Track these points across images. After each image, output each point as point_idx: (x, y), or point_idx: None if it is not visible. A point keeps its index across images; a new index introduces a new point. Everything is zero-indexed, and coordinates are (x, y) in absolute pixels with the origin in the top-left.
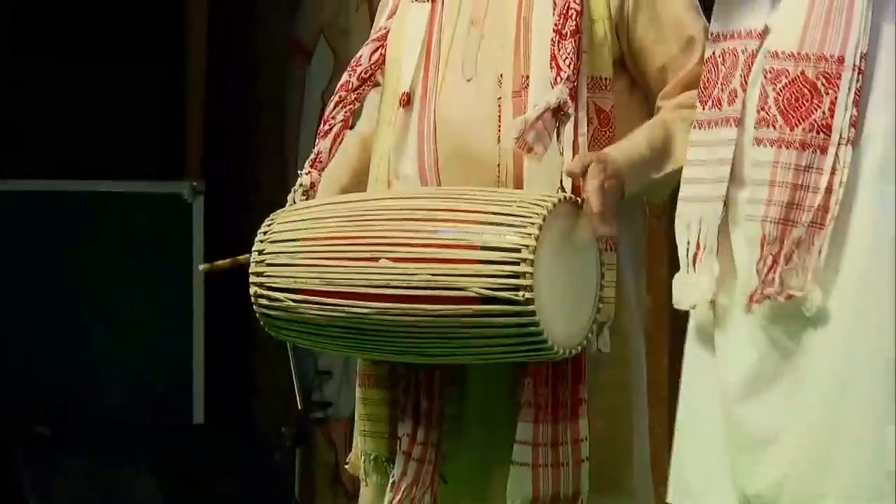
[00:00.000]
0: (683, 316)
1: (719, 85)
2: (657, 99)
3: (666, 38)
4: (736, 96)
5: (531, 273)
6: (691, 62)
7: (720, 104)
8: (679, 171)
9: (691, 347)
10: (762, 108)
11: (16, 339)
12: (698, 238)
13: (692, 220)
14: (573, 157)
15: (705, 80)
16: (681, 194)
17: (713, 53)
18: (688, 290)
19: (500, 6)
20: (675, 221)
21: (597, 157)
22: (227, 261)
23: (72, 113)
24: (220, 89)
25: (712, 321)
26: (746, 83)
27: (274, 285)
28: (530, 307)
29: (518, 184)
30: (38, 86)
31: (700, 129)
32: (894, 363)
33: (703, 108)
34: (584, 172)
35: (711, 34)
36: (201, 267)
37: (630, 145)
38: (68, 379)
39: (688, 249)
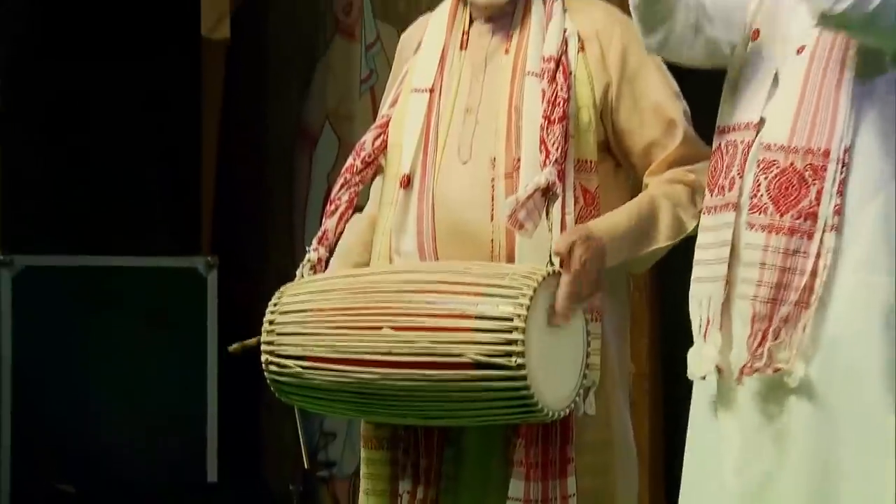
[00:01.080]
0: (664, 383)
1: (723, 173)
2: (644, 177)
3: (648, 123)
4: (734, 183)
5: (523, 340)
6: (674, 143)
7: (723, 191)
8: (662, 247)
9: (696, 414)
10: (755, 195)
11: (41, 403)
12: (708, 314)
13: (703, 299)
14: (561, 233)
15: (713, 168)
16: (693, 275)
17: (719, 145)
18: (699, 361)
19: (492, 95)
20: (690, 300)
21: (581, 234)
22: (254, 340)
23: (97, 195)
24: (233, 171)
25: (716, 390)
26: (743, 171)
27: (283, 353)
28: (522, 372)
29: (510, 258)
30: (70, 173)
31: (708, 214)
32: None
33: (711, 195)
34: (571, 250)
35: (718, 127)
36: (230, 348)
37: (615, 221)
38: (90, 440)
39: (700, 325)
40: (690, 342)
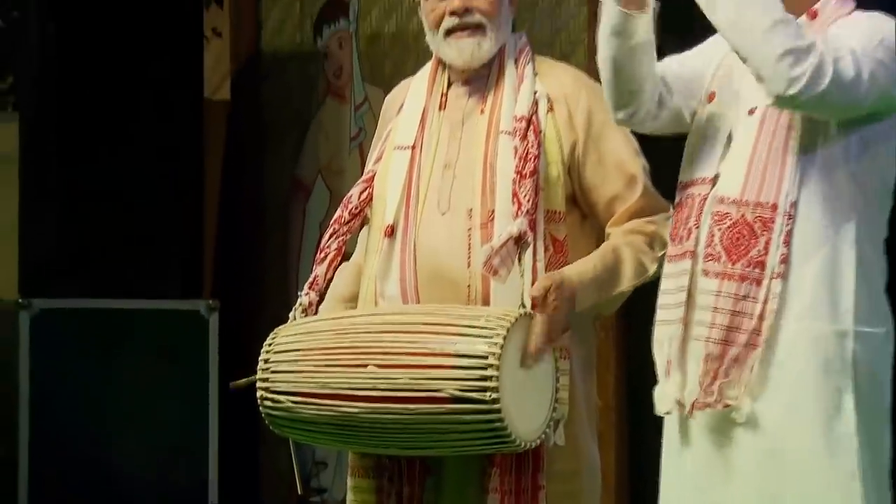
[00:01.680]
0: (628, 415)
1: (682, 224)
2: (607, 227)
3: (611, 177)
4: (691, 233)
5: (497, 377)
6: (634, 196)
7: (682, 240)
8: (626, 290)
9: (666, 447)
10: (709, 244)
11: (57, 436)
12: (669, 355)
13: (664, 340)
14: (532, 279)
15: (675, 220)
16: (657, 318)
17: (680, 199)
18: (663, 398)
19: (469, 152)
20: (653, 342)
21: (555, 281)
22: (248, 379)
23: (109, 243)
24: (233, 221)
25: (682, 425)
26: (699, 222)
27: (277, 389)
28: (496, 406)
29: (486, 301)
30: (84, 222)
31: (669, 262)
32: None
33: (672, 245)
34: (545, 295)
35: (679, 183)
36: (232, 385)
37: (584, 268)
38: (103, 469)
39: (662, 365)
40: (653, 378)
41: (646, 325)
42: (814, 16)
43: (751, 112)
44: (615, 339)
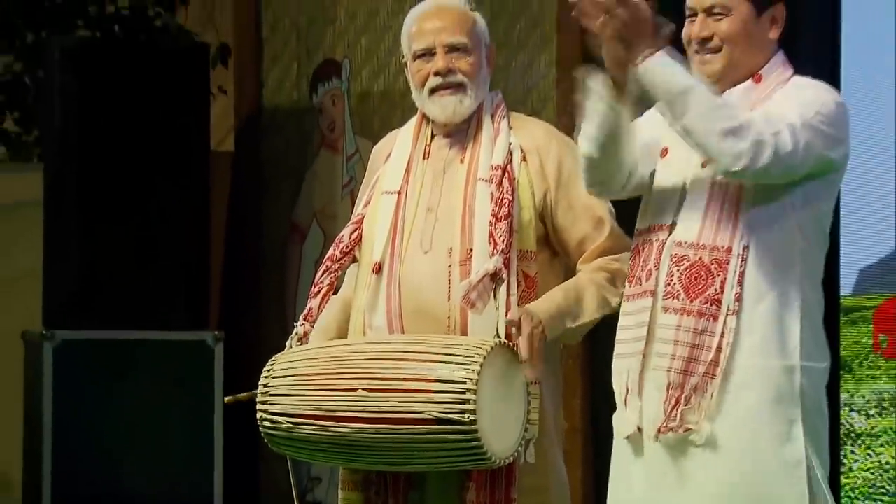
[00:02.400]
0: (593, 436)
1: (640, 267)
2: (576, 265)
3: (580, 221)
4: (651, 274)
5: (474, 400)
6: (602, 237)
7: (640, 281)
8: (590, 321)
9: (614, 466)
10: (669, 284)
11: (77, 452)
12: (628, 384)
13: (623, 371)
14: (506, 311)
15: (632, 264)
16: (615, 352)
17: (637, 244)
18: (623, 424)
19: (449, 197)
20: (612, 373)
21: (526, 312)
22: (245, 394)
23: (124, 280)
24: (236, 260)
25: (631, 446)
26: (659, 264)
27: (275, 411)
28: (474, 427)
29: (464, 332)
30: (102, 261)
31: (628, 301)
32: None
33: (630, 286)
34: (519, 322)
35: (637, 230)
36: (225, 399)
37: (551, 302)
38: (118, 485)
39: (621, 393)
40: (614, 402)
41: (609, 354)
42: (759, 80)
43: (703, 165)
44: (581, 366)
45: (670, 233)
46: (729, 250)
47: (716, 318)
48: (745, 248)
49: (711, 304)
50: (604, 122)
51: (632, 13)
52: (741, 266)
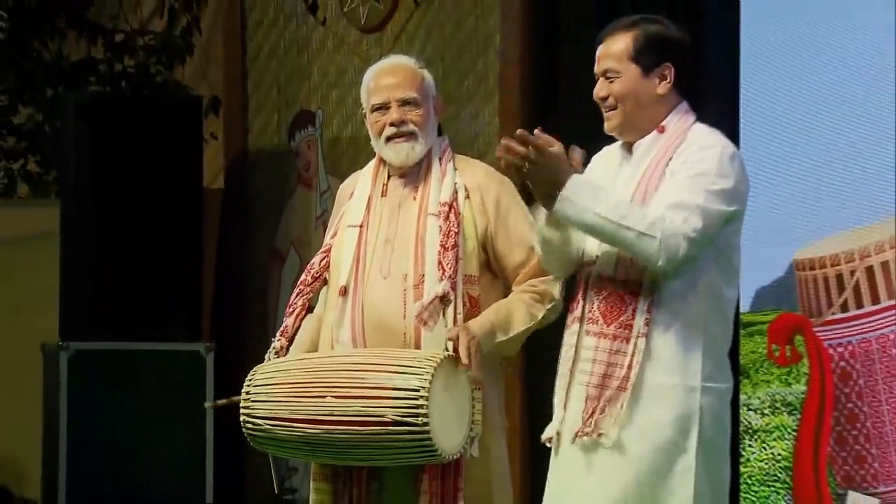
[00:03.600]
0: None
1: (573, 299)
2: (512, 286)
3: (516, 249)
4: (579, 304)
5: (427, 405)
6: (533, 261)
7: (573, 311)
8: (520, 333)
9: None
10: (590, 311)
11: (88, 448)
12: (558, 398)
13: (559, 388)
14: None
15: (570, 298)
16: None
17: (576, 279)
18: (547, 430)
19: (404, 229)
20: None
21: (463, 328)
22: (224, 401)
23: (129, 298)
24: (225, 282)
25: (554, 448)
26: (585, 295)
27: (256, 415)
28: (426, 428)
29: (417, 346)
30: (111, 281)
31: (566, 330)
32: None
33: (568, 315)
34: (458, 336)
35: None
36: (207, 405)
37: (485, 319)
38: (123, 476)
39: (555, 406)
40: (549, 404)
41: (542, 365)
42: (662, 130)
43: None
44: (520, 373)
45: (593, 266)
46: (640, 283)
47: (627, 340)
48: (654, 281)
49: (624, 328)
50: (551, 239)
51: (546, 158)
52: (650, 297)
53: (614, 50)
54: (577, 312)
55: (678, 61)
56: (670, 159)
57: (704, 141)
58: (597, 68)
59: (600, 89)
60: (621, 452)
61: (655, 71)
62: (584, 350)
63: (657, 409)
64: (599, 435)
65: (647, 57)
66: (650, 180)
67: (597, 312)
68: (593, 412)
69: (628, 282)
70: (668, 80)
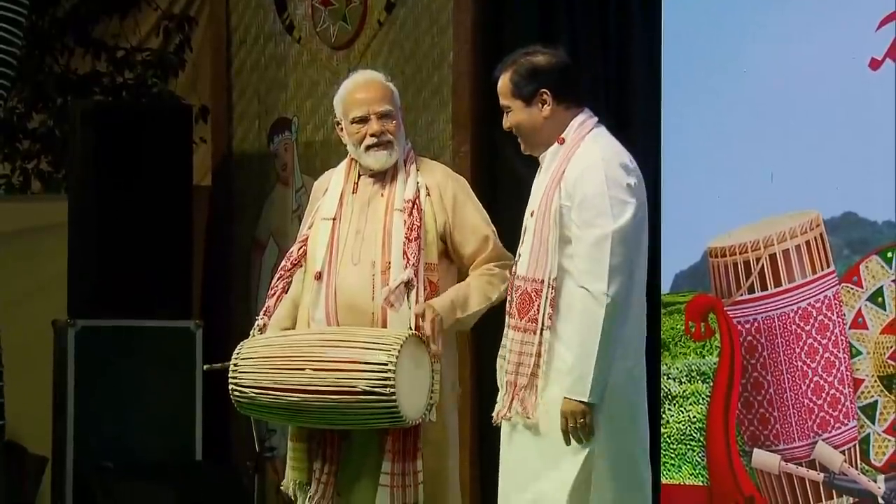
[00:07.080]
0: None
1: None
2: (469, 271)
3: (471, 239)
4: (510, 302)
5: (393, 377)
6: (486, 250)
7: (507, 308)
8: (476, 311)
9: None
10: (509, 308)
11: (93, 414)
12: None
13: (498, 376)
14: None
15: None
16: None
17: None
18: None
19: (373, 222)
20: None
21: (428, 305)
22: (220, 364)
23: (129, 280)
24: (213, 268)
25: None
26: (512, 293)
27: (242, 384)
28: (393, 398)
29: (384, 325)
30: (113, 265)
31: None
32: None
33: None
34: (423, 313)
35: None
36: (205, 367)
37: (446, 298)
38: (122, 437)
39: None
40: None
41: (490, 338)
42: (562, 141)
43: (531, 214)
44: (472, 347)
45: (516, 267)
46: (542, 282)
47: (535, 332)
48: (555, 279)
49: (531, 322)
50: None
51: None
52: (552, 293)
53: (501, 89)
54: (507, 309)
55: (553, 84)
56: (564, 171)
57: (598, 167)
58: (501, 104)
59: (504, 121)
60: (534, 431)
61: (535, 99)
62: (507, 341)
63: (560, 390)
64: (513, 416)
65: (523, 89)
66: (550, 193)
67: (514, 308)
68: (512, 398)
69: (535, 280)
70: (547, 104)
